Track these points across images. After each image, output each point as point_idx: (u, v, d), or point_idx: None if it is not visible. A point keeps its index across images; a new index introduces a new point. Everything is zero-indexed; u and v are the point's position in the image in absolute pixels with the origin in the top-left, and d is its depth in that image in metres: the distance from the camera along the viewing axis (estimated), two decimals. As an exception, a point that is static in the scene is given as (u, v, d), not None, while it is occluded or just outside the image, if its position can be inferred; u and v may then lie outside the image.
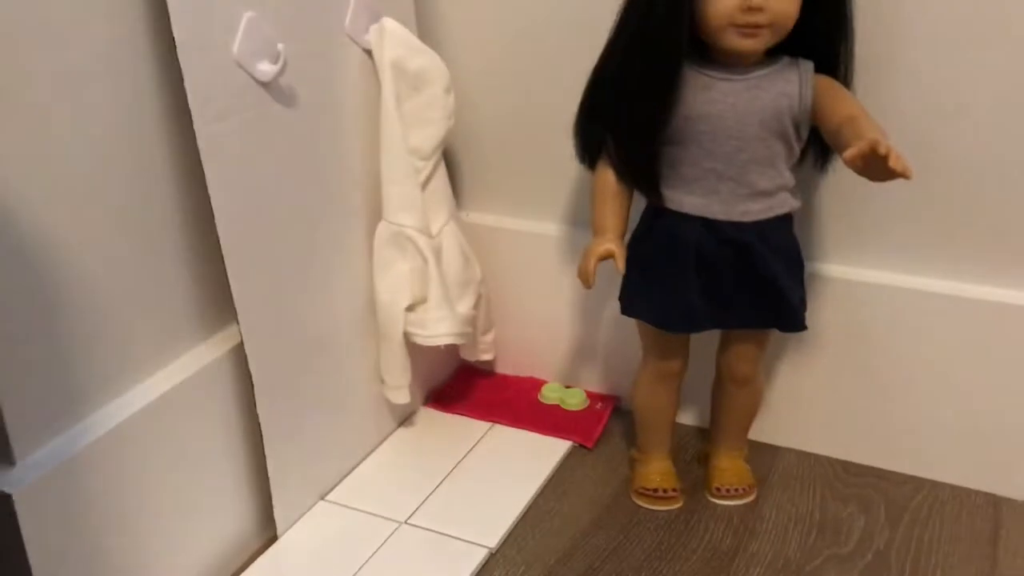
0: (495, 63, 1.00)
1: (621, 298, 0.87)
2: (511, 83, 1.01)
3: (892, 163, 0.66)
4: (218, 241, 0.77)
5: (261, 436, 0.84)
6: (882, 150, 0.66)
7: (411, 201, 0.91)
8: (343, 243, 0.92)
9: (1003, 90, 0.82)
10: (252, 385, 0.82)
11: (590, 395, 1.09)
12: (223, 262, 0.78)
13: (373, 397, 0.99)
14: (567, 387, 1.10)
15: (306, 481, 0.92)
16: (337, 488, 0.95)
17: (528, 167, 1.04)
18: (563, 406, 1.08)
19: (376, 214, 0.93)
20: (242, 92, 0.77)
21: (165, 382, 0.78)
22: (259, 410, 0.83)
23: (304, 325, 0.87)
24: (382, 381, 0.98)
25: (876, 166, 0.68)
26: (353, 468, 0.98)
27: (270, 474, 0.86)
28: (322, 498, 0.93)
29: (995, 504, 0.91)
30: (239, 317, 0.80)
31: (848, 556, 0.85)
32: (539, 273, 1.05)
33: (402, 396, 0.97)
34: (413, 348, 0.96)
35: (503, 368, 1.14)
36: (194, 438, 0.81)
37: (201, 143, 0.74)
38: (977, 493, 0.92)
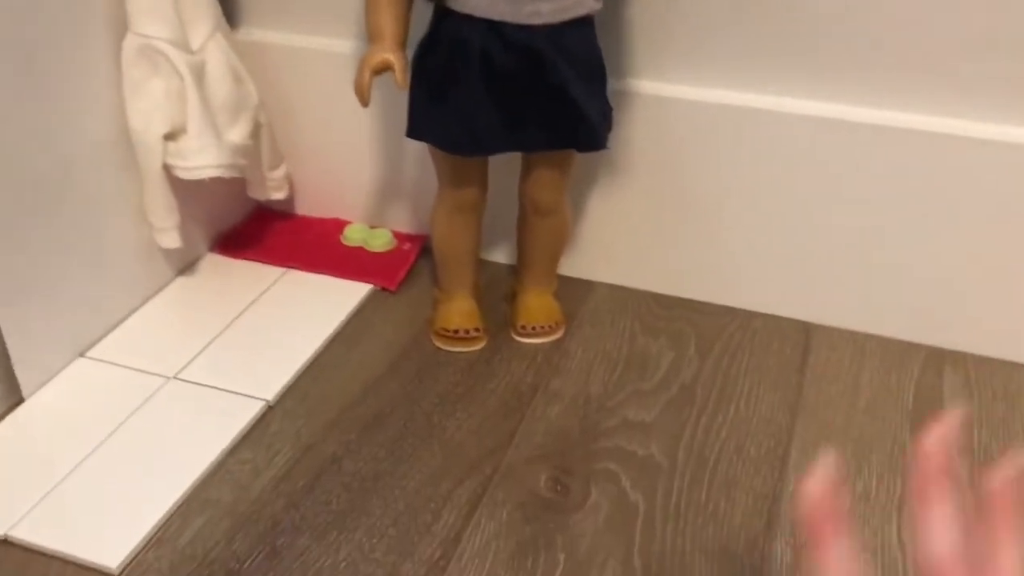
0: None
1: (408, 119, 0.77)
2: None
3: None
4: None
5: (-13, 286, 0.72)
6: None
7: (160, 7, 0.78)
8: (83, 60, 0.78)
9: None
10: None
11: (398, 236, 1.00)
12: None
13: (142, 243, 0.87)
14: (372, 228, 1.01)
15: (58, 337, 0.80)
16: (99, 344, 0.84)
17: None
18: (367, 248, 0.98)
19: (124, 24, 0.79)
20: None
21: None
22: (-19, 257, 0.71)
23: (35, 161, 0.74)
24: (149, 223, 0.86)
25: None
26: (120, 322, 0.87)
27: (3, 331, 0.74)
28: (81, 355, 0.83)
29: (807, 331, 0.88)
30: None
31: (652, 391, 0.80)
32: (335, 99, 0.92)
33: (171, 239, 0.86)
34: (186, 185, 0.84)
35: (303, 209, 1.04)
36: None
37: None
38: (789, 321, 0.89)
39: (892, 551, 0.65)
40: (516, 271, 0.90)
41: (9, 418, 0.76)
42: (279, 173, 0.95)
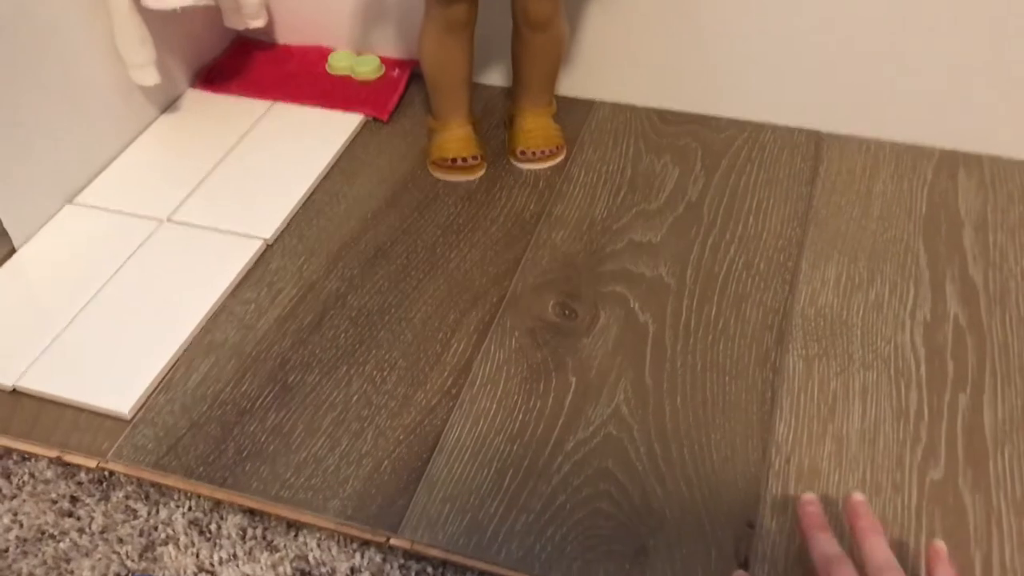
0: None
1: (388, -70, 0.72)
2: None
3: None
4: None
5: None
6: None
7: None
8: None
9: None
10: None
11: (385, 61, 0.95)
12: None
13: (120, 83, 0.83)
14: (359, 54, 0.96)
15: (43, 185, 0.78)
16: (87, 189, 0.81)
17: None
18: (354, 76, 0.94)
19: None
20: None
21: None
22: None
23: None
24: (124, 61, 0.81)
25: None
26: (107, 165, 0.84)
27: (-17, 180, 0.72)
28: (69, 202, 0.80)
29: (817, 141, 0.85)
30: None
31: (658, 211, 0.78)
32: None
33: (148, 76, 0.81)
34: (157, 18, 0.79)
35: (285, 38, 0.98)
36: None
37: None
38: (799, 131, 0.86)
39: (906, 355, 0.65)
40: (512, 93, 0.86)
41: (3, 269, 0.74)
42: (255, -1, 0.89)
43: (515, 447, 0.61)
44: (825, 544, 0.49)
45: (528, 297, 0.71)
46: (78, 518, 0.59)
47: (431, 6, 0.77)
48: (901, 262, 0.73)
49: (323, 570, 0.55)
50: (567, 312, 0.70)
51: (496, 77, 0.93)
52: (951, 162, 0.82)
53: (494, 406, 0.63)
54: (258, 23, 0.91)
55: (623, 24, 0.85)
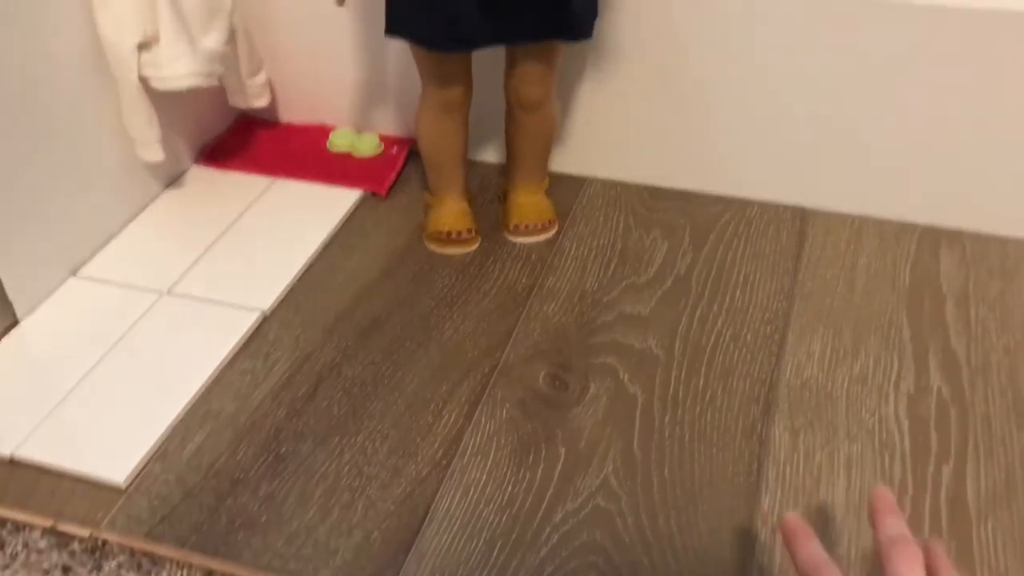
0: None
1: (386, 16, 0.75)
2: None
3: None
4: None
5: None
6: None
7: (120, -90, 0.74)
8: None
9: None
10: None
11: (384, 139, 0.98)
12: None
13: (125, 158, 0.86)
14: (359, 132, 0.99)
15: (48, 258, 0.80)
16: (91, 262, 0.84)
17: None
18: (354, 153, 0.97)
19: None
20: None
21: None
22: (-42, 179, 0.70)
23: (5, 82, 0.72)
24: (131, 138, 0.84)
25: None
26: (110, 239, 0.86)
27: (-10, 252, 0.74)
28: (73, 274, 0.82)
29: (802, 216, 0.87)
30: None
31: (647, 284, 0.80)
32: (312, 0, 0.90)
33: (154, 153, 0.84)
34: (163, 97, 0.82)
35: (287, 116, 1.02)
36: None
37: None
38: (784, 207, 0.88)
39: (890, 427, 0.66)
40: (506, 170, 0.88)
41: (5, 340, 0.76)
42: (259, 79, 0.93)
43: (504, 518, 0.61)
44: (812, 548, 0.46)
45: (519, 368, 0.73)
46: (70, 588, 0.59)
47: (428, 88, 0.80)
48: (885, 335, 0.74)
49: (312, 641, 0.56)
50: (557, 383, 0.71)
51: (491, 154, 0.96)
52: (933, 238, 0.84)
53: (484, 477, 0.64)
54: (261, 102, 0.94)
55: (614, 104, 0.88)
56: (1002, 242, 0.83)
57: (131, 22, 0.77)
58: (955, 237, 0.84)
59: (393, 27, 0.74)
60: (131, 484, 0.65)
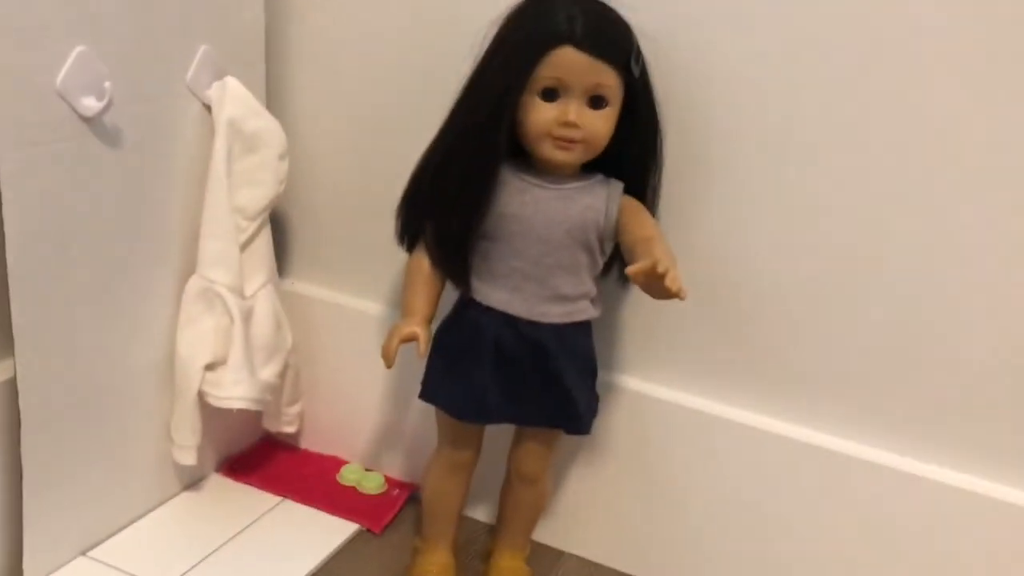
0: (339, 137, 1.02)
1: (422, 384, 0.88)
2: (352, 159, 1.02)
3: (668, 282, 0.71)
4: (7, 268, 0.75)
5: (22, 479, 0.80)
6: (660, 268, 0.71)
7: (227, 258, 0.91)
8: (152, 292, 0.90)
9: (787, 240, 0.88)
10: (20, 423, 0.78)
11: (389, 480, 1.08)
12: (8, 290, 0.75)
13: (159, 455, 0.95)
14: (367, 470, 1.09)
15: (67, 533, 0.87)
16: (102, 545, 0.90)
17: (358, 243, 1.05)
18: (359, 489, 1.06)
19: (193, 268, 0.92)
20: (60, 123, 0.76)
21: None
22: (23, 450, 0.79)
23: (90, 370, 0.85)
24: (171, 439, 0.94)
25: (655, 284, 0.72)
26: (125, 526, 0.93)
27: (25, 521, 0.81)
28: (83, 553, 0.89)
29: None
30: (16, 350, 0.77)
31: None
32: (355, 350, 1.05)
33: (188, 457, 0.94)
34: (210, 410, 0.94)
35: (307, 443, 1.13)
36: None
37: (3, 165, 0.72)
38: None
39: None
40: (494, 531, 0.97)
41: (7, 607, 0.81)
42: (295, 409, 1.05)
43: None
44: None
45: None
46: None
47: (442, 447, 0.91)
48: None
49: None
50: None
51: (482, 513, 1.05)
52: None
53: None
54: (291, 429, 1.06)
55: (597, 491, 0.99)
56: None
57: (207, 344, 0.91)
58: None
59: (427, 394, 0.87)
60: None
